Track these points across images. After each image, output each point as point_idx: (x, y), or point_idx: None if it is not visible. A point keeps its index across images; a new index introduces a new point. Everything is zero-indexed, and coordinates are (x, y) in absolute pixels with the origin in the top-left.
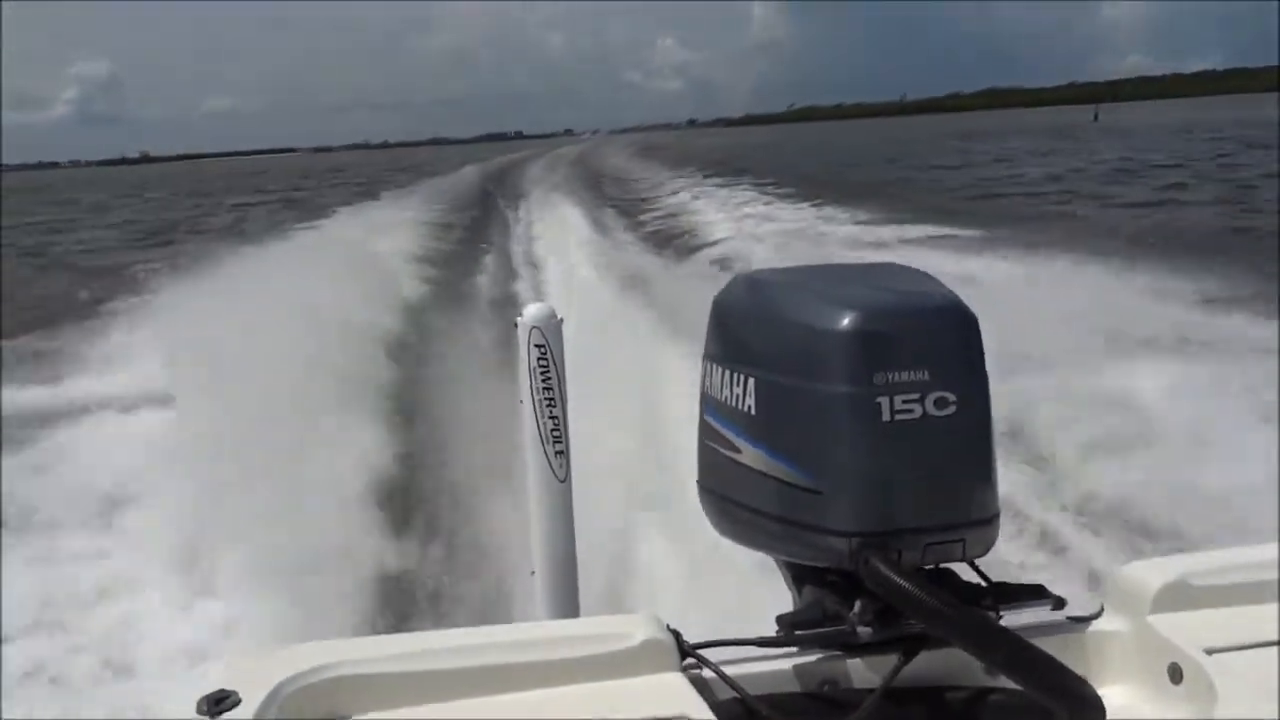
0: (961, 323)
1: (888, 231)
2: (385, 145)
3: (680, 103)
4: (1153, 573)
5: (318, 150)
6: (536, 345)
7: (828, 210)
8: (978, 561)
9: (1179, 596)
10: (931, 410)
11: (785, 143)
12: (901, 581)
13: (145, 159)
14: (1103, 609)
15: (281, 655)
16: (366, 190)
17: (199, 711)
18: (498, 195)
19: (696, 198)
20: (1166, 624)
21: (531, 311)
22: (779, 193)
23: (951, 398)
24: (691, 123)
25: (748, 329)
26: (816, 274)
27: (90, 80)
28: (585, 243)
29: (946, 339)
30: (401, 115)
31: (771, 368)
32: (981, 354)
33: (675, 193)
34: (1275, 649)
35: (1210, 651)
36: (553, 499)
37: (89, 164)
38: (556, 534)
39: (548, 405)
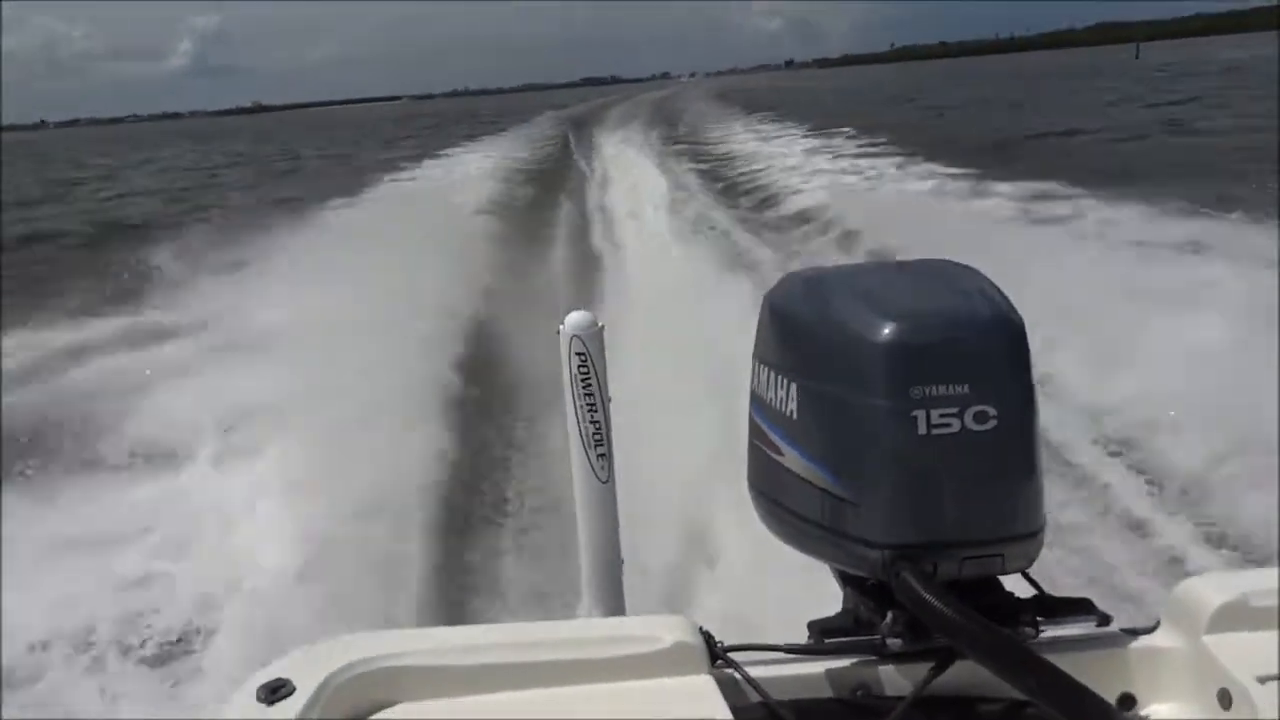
0: (1006, 334)
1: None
2: (484, 91)
3: (778, 43)
4: (1214, 589)
5: (419, 98)
6: (578, 353)
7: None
8: (1032, 573)
9: (1240, 616)
10: (970, 424)
11: (885, 85)
12: (927, 596)
13: (259, 108)
14: (1159, 623)
15: (335, 646)
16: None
17: (257, 699)
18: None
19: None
20: (1222, 645)
21: (573, 320)
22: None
23: (992, 412)
24: (789, 64)
25: (793, 332)
26: (864, 275)
27: (202, 32)
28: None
29: (989, 351)
30: (499, 59)
31: (811, 374)
32: (1027, 365)
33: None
34: None
35: (1263, 680)
36: (596, 500)
37: (208, 114)
38: (601, 534)
39: (589, 410)
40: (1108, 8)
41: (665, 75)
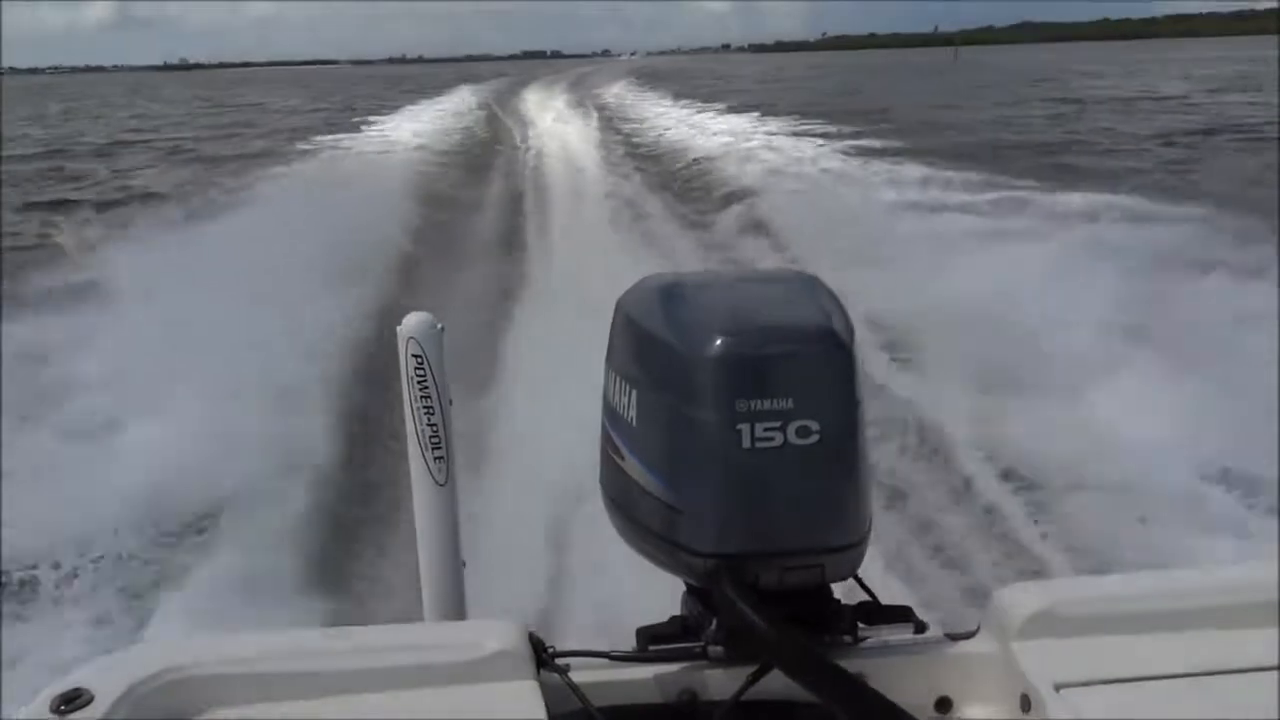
0: (832, 349)
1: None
2: (421, 60)
3: (725, 26)
4: (1027, 597)
5: (357, 63)
6: (414, 355)
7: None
8: (869, 584)
9: (1047, 624)
10: (793, 438)
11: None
12: (741, 605)
13: (185, 66)
14: (979, 629)
15: (145, 652)
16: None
17: (51, 710)
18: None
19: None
20: (1028, 651)
21: (410, 321)
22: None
23: (815, 426)
24: (725, 47)
25: (636, 340)
26: (710, 285)
27: None
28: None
29: (814, 367)
30: (442, 27)
31: (649, 383)
32: (853, 379)
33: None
34: (1125, 685)
35: (1059, 686)
36: (435, 503)
37: (132, 69)
38: (440, 538)
39: (426, 413)
40: (1029, 7)
41: (606, 53)
